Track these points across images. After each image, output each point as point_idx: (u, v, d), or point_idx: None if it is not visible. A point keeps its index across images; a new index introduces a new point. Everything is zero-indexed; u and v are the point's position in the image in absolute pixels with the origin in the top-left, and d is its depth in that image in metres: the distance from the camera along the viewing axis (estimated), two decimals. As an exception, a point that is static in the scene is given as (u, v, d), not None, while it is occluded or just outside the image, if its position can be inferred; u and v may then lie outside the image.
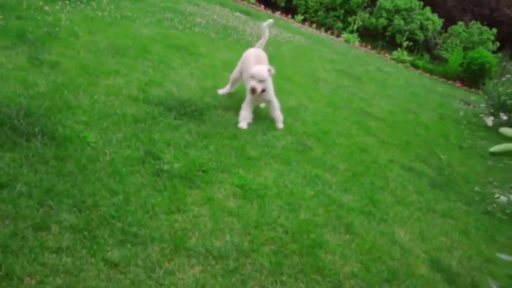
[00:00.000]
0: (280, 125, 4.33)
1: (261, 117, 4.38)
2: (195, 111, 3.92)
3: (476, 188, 4.62)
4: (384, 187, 3.80)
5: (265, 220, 2.79)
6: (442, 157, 5.25)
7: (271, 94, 4.30)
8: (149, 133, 3.30)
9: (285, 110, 4.85)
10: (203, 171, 3.07)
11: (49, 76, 3.64)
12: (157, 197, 2.66)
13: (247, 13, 10.25)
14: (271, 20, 4.88)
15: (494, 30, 13.42)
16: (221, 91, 4.71)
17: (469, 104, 9.35)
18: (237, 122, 4.02)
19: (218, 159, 3.29)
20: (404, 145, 5.20)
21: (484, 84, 12.54)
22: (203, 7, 8.90)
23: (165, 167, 2.96)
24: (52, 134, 2.85)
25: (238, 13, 9.80)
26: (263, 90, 4.12)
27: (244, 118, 4.11)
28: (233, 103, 4.48)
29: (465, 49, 13.02)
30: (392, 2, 13.28)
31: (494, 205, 4.29)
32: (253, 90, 4.04)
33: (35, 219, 2.19)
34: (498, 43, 13.49)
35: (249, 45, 7.16)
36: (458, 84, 12.19)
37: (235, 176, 3.13)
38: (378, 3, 13.50)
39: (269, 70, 4.15)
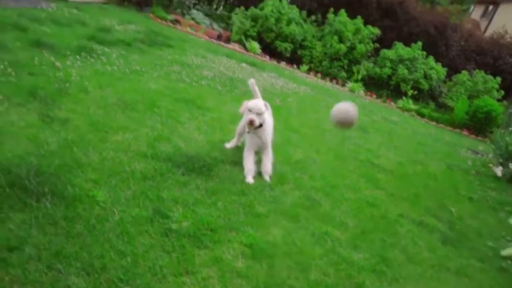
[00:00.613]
0: (267, 178, 4.23)
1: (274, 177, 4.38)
2: (203, 167, 3.93)
3: (489, 243, 4.53)
4: (394, 244, 3.74)
5: (274, 281, 2.73)
6: (453, 210, 5.18)
7: (268, 137, 4.28)
8: (158, 191, 3.29)
9: (292, 163, 4.88)
10: (211, 230, 3.04)
11: (59, 133, 3.68)
12: (166, 258, 2.62)
13: (253, 64, 10.45)
14: (253, 81, 4.88)
15: (498, 78, 13.56)
16: (228, 145, 4.74)
17: (477, 153, 9.33)
18: (244, 177, 4.01)
19: (227, 216, 3.27)
20: (413, 198, 5.15)
21: (491, 132, 12.60)
22: (210, 59, 9.09)
23: (174, 226, 2.94)
24: (61, 194, 2.86)
25: (244, 64, 10.00)
26: (261, 125, 4.12)
27: (249, 170, 4.10)
28: (240, 157, 4.48)
29: (470, 97, 13.13)
30: (395, 52, 13.52)
31: (509, 261, 4.20)
32: (251, 122, 4.02)
33: (44, 284, 2.16)
34: (502, 91, 13.59)
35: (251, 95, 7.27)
36: (465, 132, 12.21)
37: (243, 235, 3.10)
38: (381, 53, 13.74)
39: (265, 105, 4.17)
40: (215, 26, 13.12)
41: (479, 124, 12.33)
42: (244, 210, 3.44)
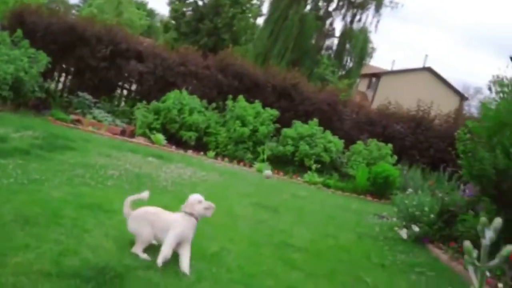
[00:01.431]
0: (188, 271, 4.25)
1: (192, 275, 4.27)
2: (115, 277, 3.75)
3: (405, 310, 4.70)
4: (317, 328, 3.75)
5: None
6: (368, 280, 5.34)
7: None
8: (66, 313, 3.08)
9: (208, 257, 4.82)
10: None
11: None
12: None
13: (159, 156, 10.43)
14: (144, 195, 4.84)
15: (390, 145, 14.67)
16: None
17: (383, 217, 9.81)
18: (159, 282, 3.89)
19: (144, 330, 3.11)
20: (329, 274, 5.26)
21: (391, 194, 13.42)
22: (114, 157, 8.94)
23: None
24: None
25: (150, 158, 9.95)
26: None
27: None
28: (153, 259, 4.37)
29: (368, 164, 13.98)
30: (295, 130, 14.23)
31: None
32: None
33: None
34: (396, 156, 14.67)
35: (165, 191, 7.22)
36: (368, 198, 12.87)
37: None
38: (282, 132, 14.39)
39: None
40: (118, 122, 13.06)
41: (380, 189, 13.08)
42: (162, 319, 3.30)
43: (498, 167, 5.97)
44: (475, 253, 1.55)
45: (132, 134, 12.87)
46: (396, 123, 16.62)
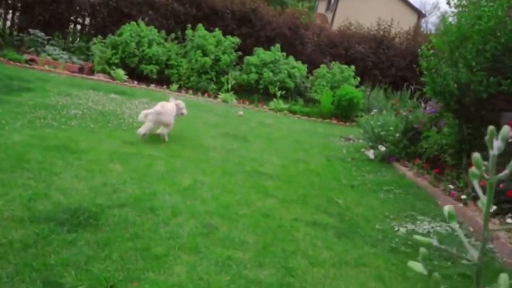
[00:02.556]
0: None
1: (159, 205, 4.26)
2: (90, 218, 3.71)
3: (377, 226, 4.88)
4: (295, 251, 3.86)
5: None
6: (340, 201, 5.50)
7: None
8: (44, 258, 3.04)
9: (182, 191, 4.81)
10: (111, 287, 2.88)
11: None
12: (67, 332, 2.43)
13: (122, 92, 10.13)
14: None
15: (353, 67, 14.69)
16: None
17: (349, 139, 10.00)
18: (135, 220, 3.87)
19: (125, 267, 3.12)
20: (302, 199, 5.37)
21: (356, 116, 13.63)
22: (75, 96, 8.62)
23: (69, 294, 2.73)
24: None
25: (113, 95, 9.65)
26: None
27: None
28: (128, 197, 4.33)
29: (332, 88, 14.04)
30: (258, 57, 14.00)
31: (397, 239, 4.56)
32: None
33: None
34: (358, 78, 14.74)
35: (132, 128, 7.06)
36: (334, 121, 13.05)
37: (145, 283, 2.98)
38: (245, 60, 14.13)
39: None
40: (74, 59, 12.46)
41: (344, 112, 13.25)
42: (142, 255, 3.31)
43: (461, 81, 6.05)
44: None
45: (91, 71, 12.38)
46: (358, 43, 16.58)
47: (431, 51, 6.73)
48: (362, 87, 14.77)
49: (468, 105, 6.31)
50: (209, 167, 5.97)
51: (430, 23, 55.75)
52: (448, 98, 6.36)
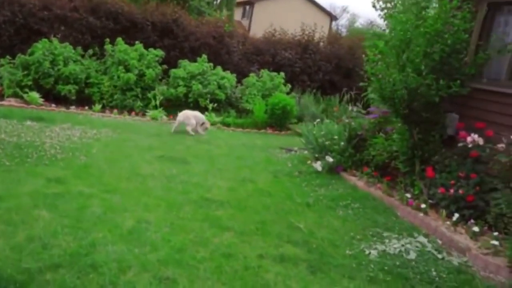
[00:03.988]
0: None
1: (102, 260, 3.57)
2: (17, 292, 2.97)
3: (347, 251, 4.47)
4: (271, 300, 3.34)
5: None
6: (301, 226, 5.05)
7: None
8: None
9: (125, 236, 4.15)
10: None
11: None
12: None
13: (39, 118, 9.09)
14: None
15: (282, 74, 14.42)
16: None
17: (290, 151, 9.63)
18: (75, 284, 3.17)
19: None
20: (261, 228, 4.86)
21: (290, 123, 13.37)
22: (-17, 128, 7.55)
23: None
24: None
25: (29, 122, 8.62)
26: None
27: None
28: (61, 253, 3.59)
29: (264, 96, 13.66)
30: (184, 69, 13.33)
31: (372, 265, 4.17)
32: None
33: None
34: (289, 85, 14.51)
35: (55, 159, 6.23)
36: (269, 131, 12.67)
37: None
38: (171, 73, 13.42)
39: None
40: (-22, 83, 11.13)
41: (278, 120, 12.90)
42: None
43: (410, 86, 5.84)
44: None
45: (1, 96, 11.10)
46: (284, 50, 16.39)
47: (378, 56, 6.48)
48: (294, 94, 14.55)
49: (417, 109, 6.11)
50: (151, 200, 5.31)
51: (341, 26, 57.83)
52: (397, 104, 6.13)
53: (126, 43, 13.15)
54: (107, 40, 13.11)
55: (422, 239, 5.00)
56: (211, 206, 5.37)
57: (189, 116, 10.33)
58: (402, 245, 4.79)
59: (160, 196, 5.48)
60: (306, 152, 8.85)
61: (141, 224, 4.46)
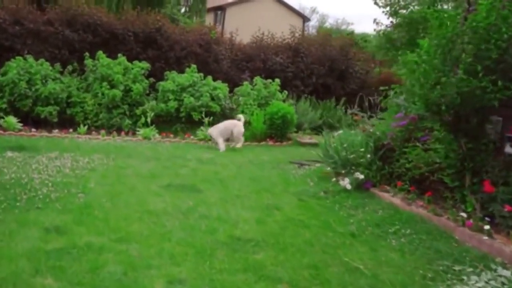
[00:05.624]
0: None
1: None
2: None
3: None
4: None
5: None
6: (361, 267, 4.19)
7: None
8: None
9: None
10: None
11: None
12: None
13: (20, 147, 8.04)
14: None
15: (277, 80, 13.58)
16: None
17: (302, 165, 8.79)
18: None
19: None
20: (315, 273, 3.98)
21: (291, 133, 12.54)
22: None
23: None
24: None
25: (9, 153, 7.58)
26: None
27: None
28: None
29: (260, 105, 12.84)
30: (173, 81, 12.38)
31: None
32: None
33: None
34: (285, 92, 13.70)
35: (49, 201, 5.25)
36: (270, 143, 11.83)
37: None
38: (159, 86, 12.46)
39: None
40: None
41: (279, 131, 12.07)
42: None
43: (463, 90, 5.05)
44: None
45: (-28, 124, 10.00)
46: (275, 54, 15.60)
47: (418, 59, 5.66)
48: (291, 101, 13.73)
49: (467, 116, 5.34)
50: (175, 246, 4.37)
51: (311, 27, 57.50)
52: (444, 111, 5.33)
53: (107, 56, 12.16)
54: (87, 54, 12.13)
55: (504, 272, 4.20)
56: (246, 248, 4.46)
57: (209, 132, 10.43)
58: (486, 282, 3.99)
59: (183, 240, 4.54)
60: (318, 165, 8.02)
61: (174, 286, 3.53)
